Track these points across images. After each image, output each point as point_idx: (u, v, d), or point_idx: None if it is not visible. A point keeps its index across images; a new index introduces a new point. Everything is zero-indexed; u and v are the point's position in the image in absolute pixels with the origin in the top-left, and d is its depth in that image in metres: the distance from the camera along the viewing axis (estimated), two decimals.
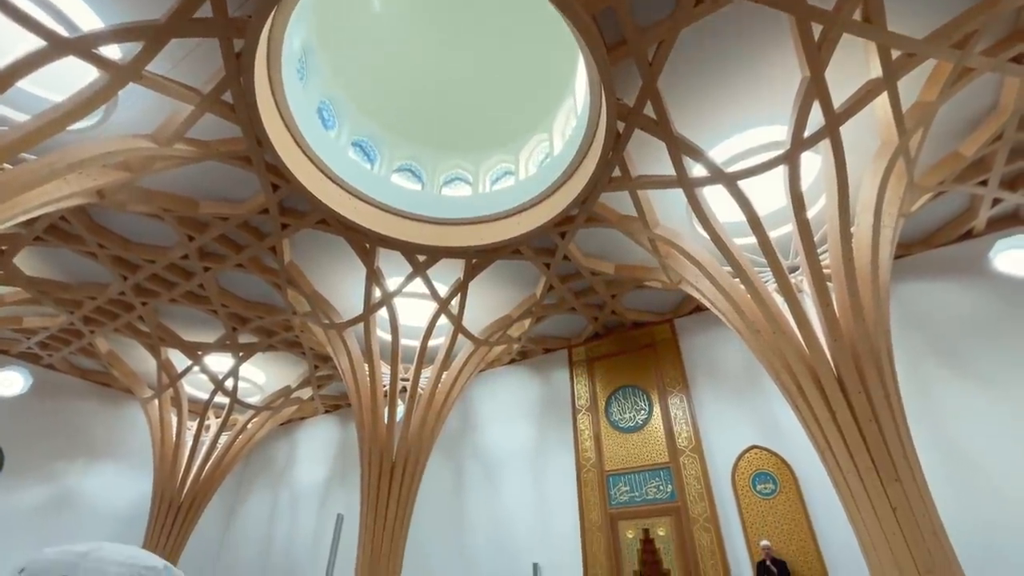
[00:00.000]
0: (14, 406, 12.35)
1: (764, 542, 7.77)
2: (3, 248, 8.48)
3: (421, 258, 8.99)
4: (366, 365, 10.53)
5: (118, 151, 6.13)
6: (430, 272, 9.25)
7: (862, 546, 5.74)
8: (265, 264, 9.25)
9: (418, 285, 9.51)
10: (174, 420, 13.04)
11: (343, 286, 9.81)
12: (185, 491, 12.63)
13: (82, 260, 9.12)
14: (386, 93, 10.21)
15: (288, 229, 8.28)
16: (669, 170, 6.74)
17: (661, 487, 9.35)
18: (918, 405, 7.60)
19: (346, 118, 9.54)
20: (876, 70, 5.52)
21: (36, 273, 9.49)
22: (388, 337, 10.46)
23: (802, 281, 7.73)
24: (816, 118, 5.81)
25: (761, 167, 6.35)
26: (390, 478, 9.82)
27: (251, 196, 7.88)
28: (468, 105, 10.56)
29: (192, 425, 13.40)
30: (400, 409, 10.80)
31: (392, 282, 9.53)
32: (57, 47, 5.05)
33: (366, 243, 8.61)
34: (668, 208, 7.76)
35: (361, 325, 10.07)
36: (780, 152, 6.21)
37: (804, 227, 6.43)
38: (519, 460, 11.37)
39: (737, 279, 7.38)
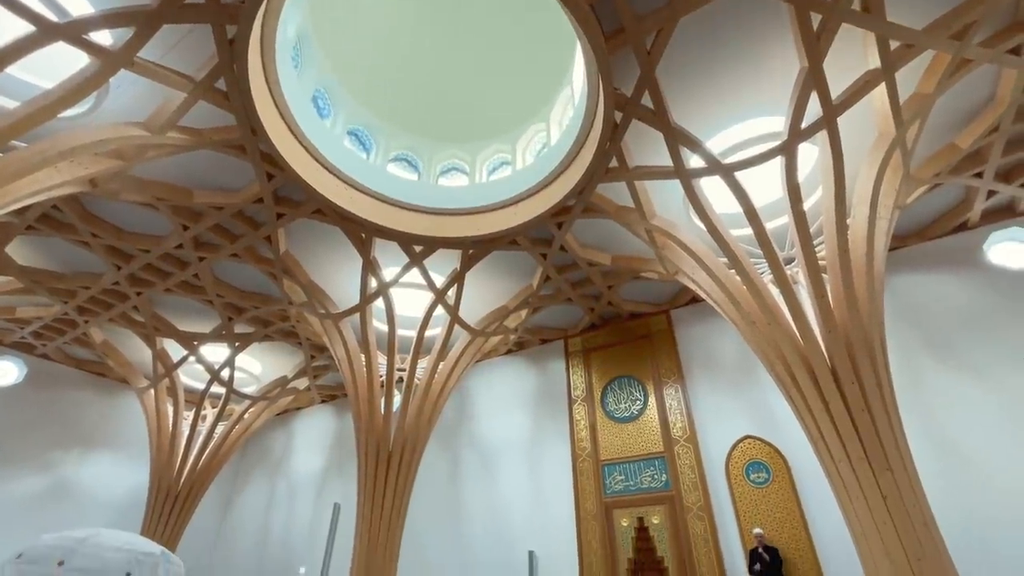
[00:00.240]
0: (8, 396, 12.32)
1: (757, 530, 7.87)
2: None
3: (417, 248, 8.96)
4: (362, 355, 10.55)
5: (110, 139, 6.05)
6: (427, 262, 9.23)
7: (853, 534, 5.83)
8: (260, 254, 9.20)
9: (414, 275, 9.50)
10: (170, 410, 13.04)
11: (339, 276, 9.79)
12: (182, 481, 12.66)
13: (75, 249, 9.05)
14: (382, 82, 10.11)
15: (283, 219, 8.23)
16: (666, 161, 6.72)
17: (656, 476, 9.44)
18: (910, 396, 7.68)
19: (341, 107, 9.46)
20: (874, 61, 5.50)
21: (29, 263, 9.41)
22: (384, 327, 10.46)
23: (797, 272, 7.76)
24: (814, 109, 5.79)
25: (758, 158, 6.35)
26: (387, 468, 9.88)
27: (246, 185, 7.82)
28: (465, 94, 10.48)
29: (188, 415, 13.41)
30: (396, 399, 10.83)
31: (388, 272, 9.51)
32: (46, 32, 4.97)
33: (362, 233, 8.58)
34: (665, 199, 7.75)
35: (357, 315, 10.06)
36: (777, 143, 6.20)
37: (800, 218, 6.44)
38: (515, 450, 11.45)
39: (733, 270, 7.40)
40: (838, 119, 5.82)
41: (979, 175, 7.56)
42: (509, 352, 12.87)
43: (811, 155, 7.04)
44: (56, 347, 12.65)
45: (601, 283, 9.97)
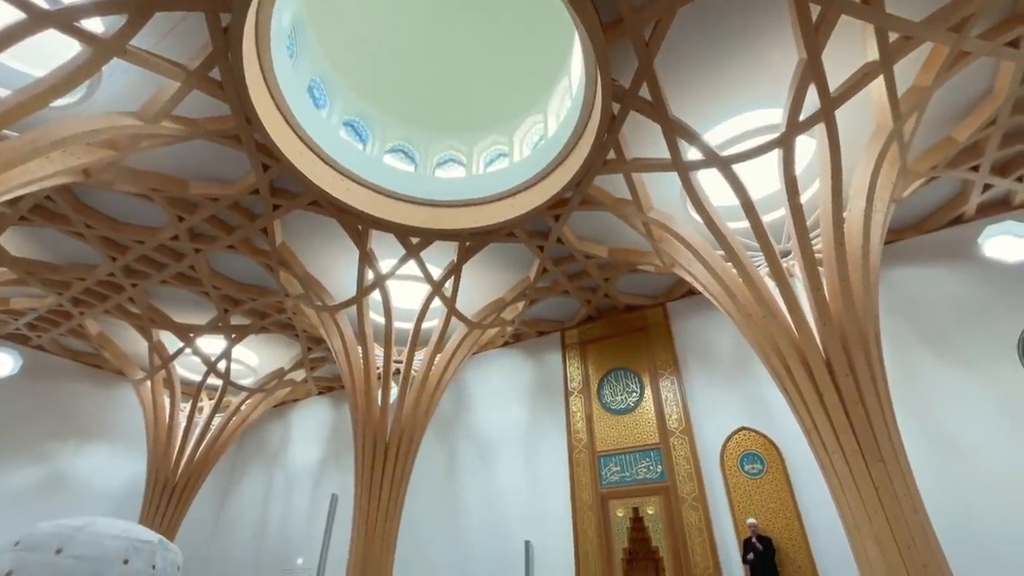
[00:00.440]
0: (4, 387, 12.27)
1: (751, 520, 7.96)
2: None
3: (414, 240, 8.94)
4: (359, 347, 10.55)
5: (103, 128, 5.99)
6: (423, 254, 9.21)
7: (845, 524, 5.90)
8: (256, 245, 9.16)
9: (411, 267, 9.48)
10: (167, 402, 13.03)
11: (335, 268, 9.76)
12: (179, 472, 12.68)
13: (70, 240, 8.98)
14: (378, 72, 10.03)
15: (279, 210, 8.19)
16: (664, 153, 6.70)
17: (651, 467, 9.52)
18: (904, 388, 7.75)
19: (337, 97, 9.38)
20: (873, 53, 5.48)
21: (22, 254, 9.34)
22: (381, 319, 10.45)
23: (794, 265, 7.78)
24: (812, 102, 5.78)
25: (756, 151, 6.34)
26: (384, 459, 9.91)
27: (241, 176, 7.76)
28: (462, 85, 10.41)
29: (185, 407, 13.39)
30: (394, 391, 10.85)
31: (385, 264, 9.49)
32: (37, 19, 4.89)
33: (359, 225, 8.54)
34: (662, 192, 7.75)
35: (354, 307, 10.04)
36: (775, 136, 6.19)
37: (797, 211, 6.45)
38: (512, 441, 11.51)
39: (729, 263, 7.42)
40: (836, 112, 5.81)
41: (975, 168, 7.58)
42: (506, 344, 12.90)
43: (808, 149, 7.04)
44: (51, 338, 12.59)
45: (598, 275, 9.98)
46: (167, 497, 12.42)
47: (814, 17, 5.11)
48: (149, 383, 12.83)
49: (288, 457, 15.70)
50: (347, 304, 9.97)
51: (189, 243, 8.80)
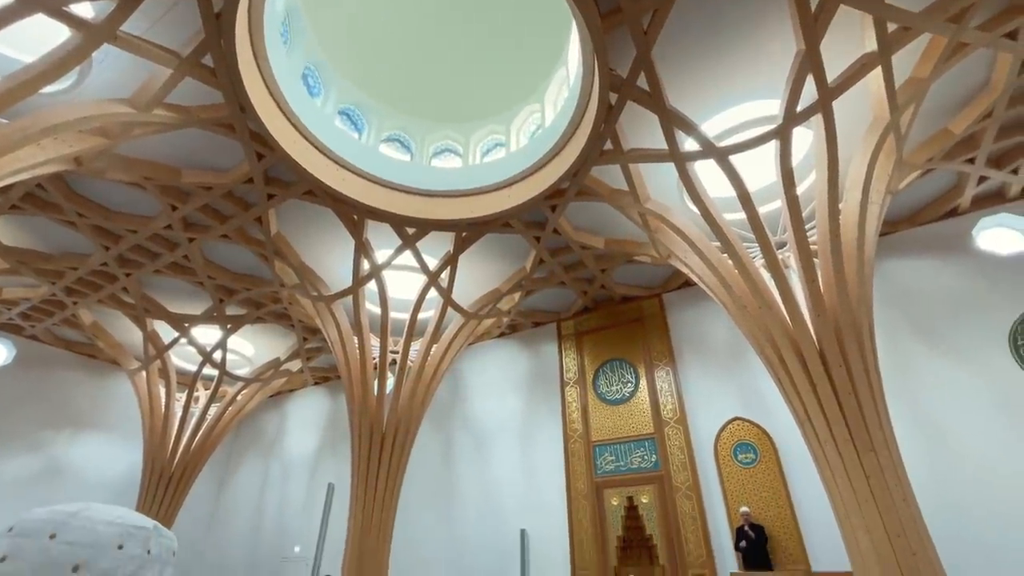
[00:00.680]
0: None
1: (743, 508, 8.06)
2: None
3: (410, 231, 8.90)
4: (355, 338, 10.54)
5: (94, 116, 5.91)
6: (419, 245, 9.18)
7: (836, 513, 5.98)
8: (251, 235, 9.10)
9: (407, 258, 9.46)
10: (162, 392, 13.02)
11: (331, 258, 9.72)
12: (175, 462, 12.70)
13: (62, 229, 8.91)
14: (373, 60, 9.92)
15: (274, 199, 8.13)
16: (661, 144, 6.68)
17: (646, 457, 9.61)
18: (897, 379, 7.83)
19: (332, 85, 9.28)
20: (871, 44, 5.46)
21: (14, 243, 9.26)
22: (377, 310, 10.45)
23: (789, 257, 7.81)
24: (810, 94, 5.76)
25: (753, 142, 6.33)
26: (380, 449, 9.96)
27: (235, 165, 7.69)
28: (458, 73, 10.32)
29: (181, 397, 13.39)
30: (390, 381, 10.87)
31: (381, 254, 9.46)
32: (25, 3, 4.80)
33: (354, 215, 8.50)
34: (659, 183, 7.73)
35: (350, 297, 10.03)
36: (772, 127, 6.18)
37: (793, 203, 6.46)
38: (508, 431, 11.58)
39: (725, 254, 7.43)
40: (833, 104, 5.80)
41: (971, 161, 7.59)
42: (502, 335, 12.92)
43: (804, 141, 7.03)
44: (45, 328, 12.53)
45: (594, 266, 9.99)
46: (163, 486, 12.45)
47: (813, 7, 5.07)
48: (144, 373, 12.80)
49: (284, 447, 15.75)
50: (343, 294, 9.95)
51: (183, 232, 8.74)
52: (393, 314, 10.62)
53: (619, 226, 8.94)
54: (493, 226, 8.78)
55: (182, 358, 13.55)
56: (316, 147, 7.79)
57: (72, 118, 5.77)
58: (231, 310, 11.41)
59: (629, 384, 10.52)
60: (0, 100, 5.10)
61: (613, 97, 6.30)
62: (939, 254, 8.64)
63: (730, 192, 6.77)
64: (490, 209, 8.45)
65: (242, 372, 14.11)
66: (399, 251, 9.15)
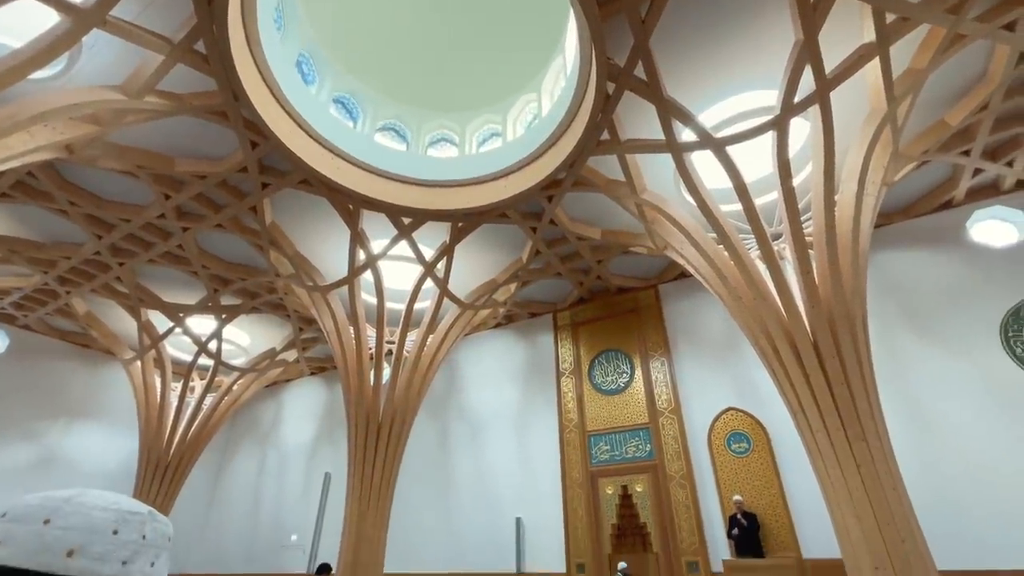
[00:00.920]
0: None
1: (736, 497, 8.17)
2: None
3: (406, 221, 8.87)
4: (351, 328, 10.54)
5: (85, 103, 5.83)
6: (415, 235, 9.15)
7: (827, 500, 6.07)
8: (246, 224, 9.04)
9: (403, 248, 9.43)
10: (158, 381, 13.00)
11: (326, 248, 9.68)
12: (172, 451, 12.72)
13: (54, 218, 8.82)
14: (368, 47, 9.80)
15: (268, 189, 8.07)
16: (658, 134, 6.66)
17: (640, 446, 9.69)
18: (889, 369, 7.91)
19: (327, 73, 9.18)
20: (869, 35, 5.44)
21: (5, 231, 9.17)
22: (373, 300, 10.43)
23: (784, 248, 7.83)
24: (807, 85, 5.74)
25: (750, 132, 6.32)
26: (376, 439, 10.00)
27: (229, 154, 7.62)
28: (455, 62, 10.22)
29: (176, 386, 13.38)
30: (386, 372, 10.89)
31: (377, 244, 9.42)
32: None
33: (350, 205, 8.45)
34: (655, 173, 7.72)
35: (346, 288, 10.00)
36: (769, 117, 6.16)
37: (789, 194, 6.47)
38: (503, 421, 11.64)
39: (721, 245, 7.45)
40: (831, 95, 5.78)
41: (967, 153, 7.61)
42: (498, 325, 12.95)
43: (801, 133, 7.03)
44: (38, 318, 12.45)
45: (590, 257, 9.99)
46: (160, 476, 12.49)
47: None
48: (139, 362, 12.77)
49: (281, 436, 15.79)
50: (339, 284, 9.92)
51: (176, 222, 8.67)
52: (389, 304, 10.62)
53: (616, 217, 8.94)
54: (489, 216, 8.76)
55: (177, 348, 13.53)
56: (311, 136, 7.72)
57: (62, 105, 5.69)
58: (226, 300, 11.37)
59: (624, 374, 10.58)
60: None
61: (610, 87, 6.26)
62: (933, 246, 8.69)
63: (726, 183, 6.77)
64: (486, 199, 8.42)
65: (238, 362, 14.10)
66: (395, 241, 9.12)
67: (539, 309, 12.21)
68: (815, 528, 7.54)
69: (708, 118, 6.73)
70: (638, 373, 10.42)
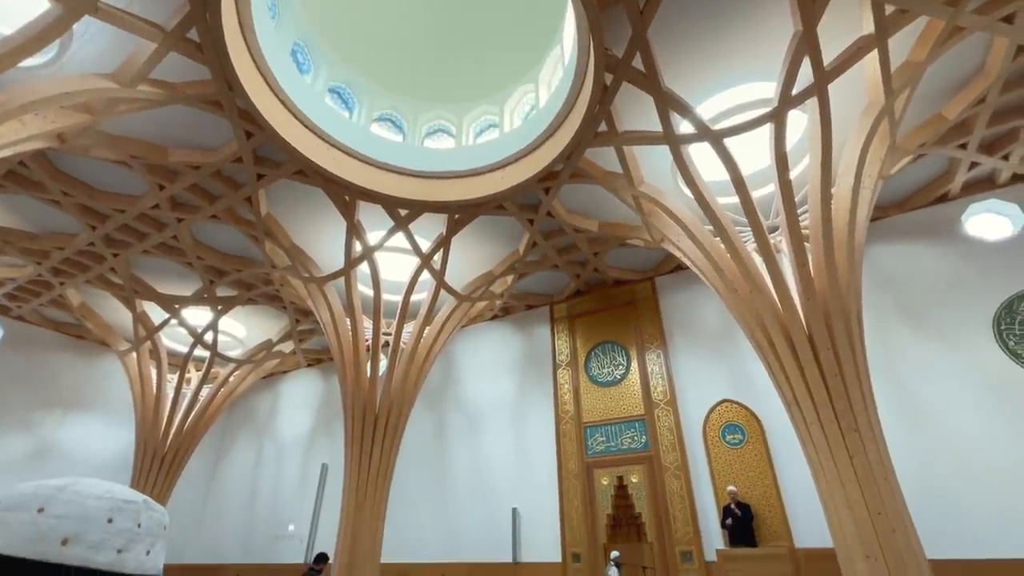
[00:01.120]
0: None
1: (731, 487, 8.25)
2: None
3: (403, 212, 8.83)
4: (348, 320, 10.52)
5: (77, 91, 5.76)
6: (412, 226, 9.11)
7: (819, 491, 6.13)
8: (241, 216, 8.99)
9: (400, 240, 9.39)
10: (154, 373, 12.97)
11: (323, 239, 9.64)
12: (168, 443, 12.72)
13: (47, 208, 8.73)
14: (364, 36, 9.70)
15: (264, 179, 8.01)
16: (655, 126, 6.63)
17: (636, 438, 9.76)
18: (882, 362, 7.97)
19: (322, 62, 9.08)
20: (868, 27, 5.42)
21: None
22: (370, 292, 10.41)
23: (780, 241, 7.84)
24: (806, 77, 5.72)
25: (747, 125, 6.29)
26: (373, 430, 10.03)
27: (223, 144, 7.55)
28: (452, 52, 10.13)
29: (172, 378, 13.35)
30: (383, 363, 10.90)
31: (373, 236, 9.38)
32: None
33: (346, 196, 8.40)
34: (652, 166, 7.70)
35: (342, 279, 9.97)
36: (767, 110, 6.14)
37: (786, 187, 6.46)
38: (500, 413, 11.69)
39: (718, 238, 7.45)
40: (829, 87, 5.77)
41: (963, 146, 7.62)
42: (495, 317, 12.96)
43: (798, 126, 7.02)
44: (32, 309, 12.38)
45: (587, 249, 9.99)
46: (156, 467, 12.49)
47: None
48: (135, 354, 12.73)
49: (278, 427, 15.82)
50: (335, 276, 9.89)
51: (171, 212, 8.60)
52: (386, 296, 10.60)
53: (613, 209, 8.92)
54: (486, 208, 8.73)
55: (173, 339, 13.48)
56: (306, 126, 7.65)
57: (54, 93, 5.62)
58: (222, 291, 11.33)
59: (620, 366, 10.62)
60: None
61: (608, 78, 6.22)
62: (928, 240, 8.73)
63: (722, 176, 6.76)
64: (483, 191, 8.39)
65: (234, 353, 14.08)
66: (391, 233, 9.09)
67: (536, 301, 12.22)
68: (808, 518, 7.63)
69: (706, 110, 6.70)
70: (634, 365, 10.47)
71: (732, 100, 6.65)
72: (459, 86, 10.21)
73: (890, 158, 6.98)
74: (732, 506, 8.00)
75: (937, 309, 8.22)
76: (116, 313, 12.31)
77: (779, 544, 7.76)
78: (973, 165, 8.08)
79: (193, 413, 13.26)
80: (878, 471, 5.75)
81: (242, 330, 13.51)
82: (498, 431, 11.50)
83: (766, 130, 6.37)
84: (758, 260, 7.32)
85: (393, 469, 10.25)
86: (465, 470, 11.50)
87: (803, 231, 6.93)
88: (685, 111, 6.30)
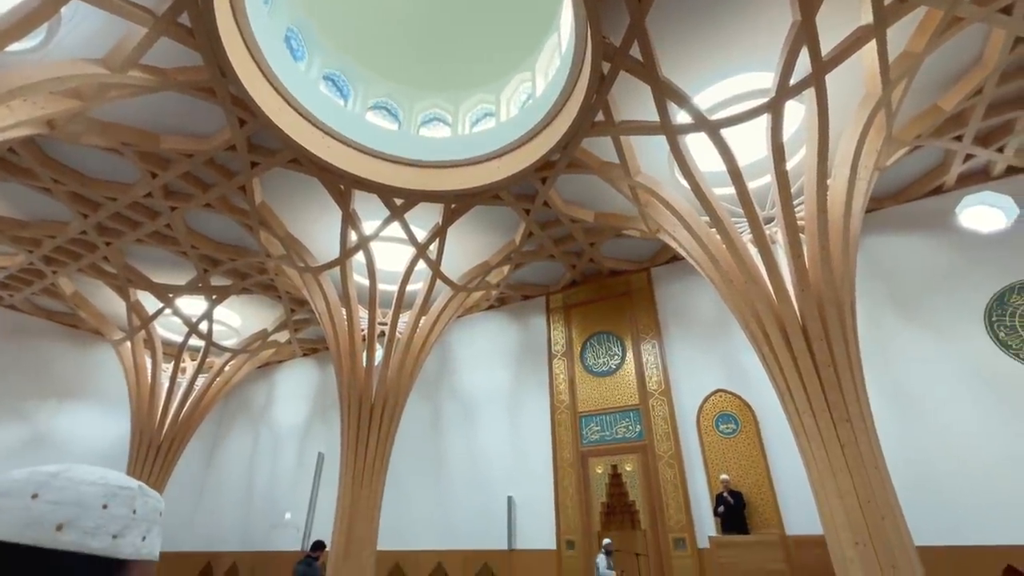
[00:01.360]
0: None
1: (723, 476, 8.35)
2: None
3: (399, 202, 8.78)
4: (343, 309, 10.50)
5: (66, 76, 5.66)
6: (408, 216, 9.07)
7: (811, 479, 6.21)
8: (235, 204, 8.91)
9: (395, 229, 9.35)
10: (148, 362, 12.92)
11: (318, 228, 9.58)
12: (164, 432, 12.71)
13: (38, 196, 8.63)
14: (359, 23, 9.57)
15: (258, 168, 7.93)
16: (652, 116, 6.60)
17: (630, 427, 9.84)
18: (875, 353, 8.03)
19: (316, 49, 8.97)
20: (867, 17, 5.39)
21: None
22: (365, 281, 10.38)
23: (776, 232, 7.86)
24: (803, 68, 5.69)
25: (745, 115, 6.27)
26: (369, 419, 10.06)
27: (216, 131, 7.46)
28: (448, 39, 10.01)
29: (167, 367, 13.31)
30: (378, 353, 10.90)
31: (368, 225, 9.34)
32: None
33: (341, 185, 8.34)
34: (649, 156, 7.67)
35: (337, 269, 9.94)
36: (765, 100, 6.12)
37: (783, 178, 6.47)
38: (496, 402, 11.74)
39: (714, 229, 7.46)
40: (826, 78, 5.75)
41: (959, 138, 7.63)
42: (491, 308, 12.96)
43: (795, 117, 7.00)
44: (24, 298, 12.27)
45: (583, 240, 9.98)
46: (152, 456, 12.49)
47: None
48: (129, 343, 12.68)
49: (274, 416, 15.84)
50: (330, 266, 9.85)
51: (164, 201, 8.52)
52: (381, 286, 10.57)
53: (609, 199, 8.90)
54: (482, 198, 8.69)
55: (168, 329, 13.42)
56: (301, 114, 7.57)
57: (42, 78, 5.52)
58: (216, 280, 11.26)
59: (616, 357, 10.67)
60: None
61: (606, 67, 6.17)
62: (922, 231, 8.77)
63: (719, 167, 6.75)
64: (479, 180, 8.35)
65: (229, 343, 14.03)
66: (387, 222, 9.05)
67: (532, 291, 12.23)
68: (799, 506, 7.74)
69: (703, 100, 6.67)
70: (629, 355, 10.52)
71: (729, 90, 6.62)
72: (455, 74, 10.12)
73: (886, 149, 6.99)
74: (725, 494, 8.10)
75: (930, 300, 8.29)
76: (110, 302, 12.23)
77: (770, 531, 7.87)
78: (968, 157, 8.10)
79: (188, 402, 13.25)
80: (868, 460, 5.83)
81: (237, 319, 13.46)
82: (494, 420, 11.56)
83: (763, 120, 6.35)
84: (753, 251, 7.34)
85: (389, 458, 10.30)
86: (461, 459, 11.58)
87: (799, 222, 6.94)
88: (683, 101, 6.27)
